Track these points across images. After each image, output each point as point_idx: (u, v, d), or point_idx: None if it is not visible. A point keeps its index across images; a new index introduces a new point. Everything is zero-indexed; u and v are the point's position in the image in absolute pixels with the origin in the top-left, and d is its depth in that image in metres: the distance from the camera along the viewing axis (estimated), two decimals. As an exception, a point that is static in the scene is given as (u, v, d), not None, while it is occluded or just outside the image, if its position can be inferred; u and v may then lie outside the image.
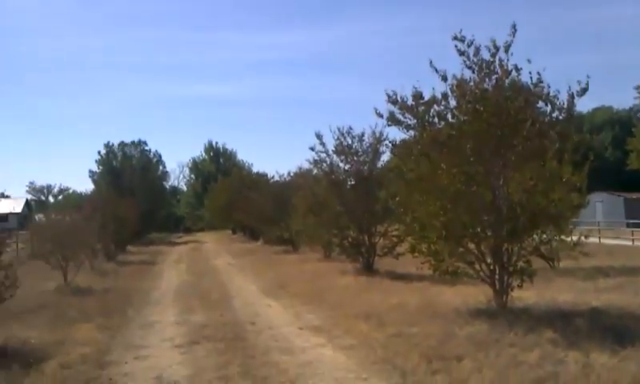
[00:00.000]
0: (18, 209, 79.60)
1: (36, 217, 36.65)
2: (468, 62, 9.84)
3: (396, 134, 11.75)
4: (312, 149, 18.44)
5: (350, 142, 17.86)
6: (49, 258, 16.96)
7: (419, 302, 11.36)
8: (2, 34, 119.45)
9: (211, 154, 73.31)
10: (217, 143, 73.58)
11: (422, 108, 10.28)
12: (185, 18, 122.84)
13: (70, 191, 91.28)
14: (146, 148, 53.75)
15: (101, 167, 52.67)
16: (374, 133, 17.57)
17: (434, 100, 10.15)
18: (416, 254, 10.73)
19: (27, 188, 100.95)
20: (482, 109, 9.54)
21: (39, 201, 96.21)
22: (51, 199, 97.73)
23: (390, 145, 12.43)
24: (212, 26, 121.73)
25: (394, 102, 10.54)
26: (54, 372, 7.42)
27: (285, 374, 7.09)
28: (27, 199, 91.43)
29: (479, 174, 9.84)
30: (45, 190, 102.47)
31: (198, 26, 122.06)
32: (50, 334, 9.83)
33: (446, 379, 6.45)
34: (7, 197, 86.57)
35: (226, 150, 73.51)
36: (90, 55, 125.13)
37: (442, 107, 10.14)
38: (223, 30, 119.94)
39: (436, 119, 10.23)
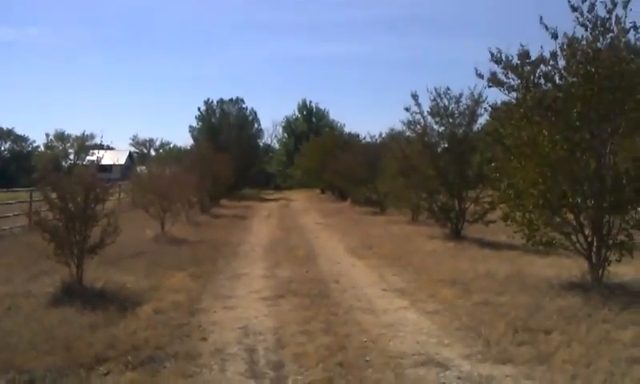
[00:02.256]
0: (122, 160, 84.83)
1: (138, 168, 38.62)
2: (581, 19, 9.10)
3: (496, 96, 11.25)
4: (407, 109, 18.02)
5: (446, 104, 17.28)
6: (148, 207, 17.85)
7: (508, 271, 10.99)
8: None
9: (304, 113, 73.64)
10: (310, 102, 73.71)
11: (527, 68, 9.70)
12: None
13: (171, 146, 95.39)
14: (243, 106, 54.95)
15: (200, 123, 54.34)
16: (472, 94, 16.87)
17: (541, 60, 9.51)
18: (509, 223, 10.35)
19: (130, 141, 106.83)
20: (593, 70, 8.88)
21: (141, 154, 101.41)
22: (153, 153, 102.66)
23: (489, 107, 11.90)
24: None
25: (498, 61, 9.99)
26: (147, 316, 7.84)
27: (366, 334, 7.10)
28: (130, 152, 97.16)
29: (584, 141, 9.24)
30: (147, 144, 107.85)
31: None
32: (145, 279, 10.39)
33: (531, 351, 6.21)
34: (112, 149, 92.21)
35: (319, 109, 73.54)
36: (196, 13, 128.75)
37: (550, 68, 9.49)
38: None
39: (542, 81, 9.62)
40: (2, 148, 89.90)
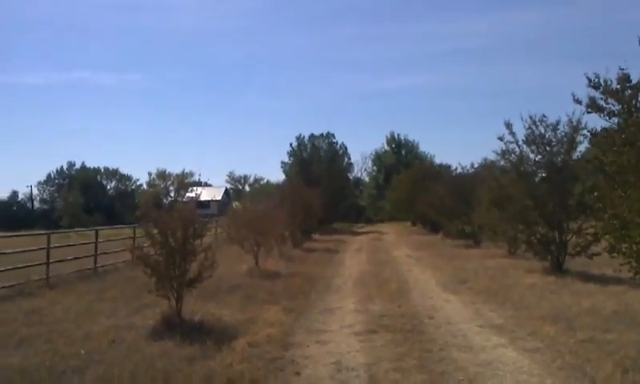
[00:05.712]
0: (219, 196, 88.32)
1: (233, 204, 39.96)
2: (686, 39, 8.59)
3: (596, 122, 10.77)
4: (500, 138, 17.46)
5: (542, 131, 16.60)
6: (243, 242, 18.35)
7: (615, 306, 10.33)
8: (210, 35, 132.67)
9: (393, 145, 73.73)
10: (399, 135, 73.85)
11: (628, 92, 9.20)
12: (369, 12, 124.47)
13: (264, 181, 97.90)
14: (334, 140, 55.75)
15: (292, 158, 55.58)
16: (570, 121, 16.08)
17: (643, 83, 9.05)
18: (614, 255, 9.72)
19: (227, 177, 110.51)
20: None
21: (237, 189, 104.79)
22: (247, 188, 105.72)
23: (589, 134, 11.38)
24: (396, 18, 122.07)
25: (597, 87, 9.58)
26: (243, 349, 8.02)
27: (463, 372, 6.87)
28: (226, 188, 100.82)
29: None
30: (242, 180, 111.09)
31: (383, 19, 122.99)
32: (241, 313, 10.67)
33: (643, 393, 5.76)
34: (210, 185, 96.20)
35: (408, 141, 73.50)
36: (286, 53, 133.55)
37: (653, 91, 9.00)
38: (407, 21, 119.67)
39: (644, 105, 9.11)
40: (108, 187, 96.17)
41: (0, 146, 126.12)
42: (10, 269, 13.51)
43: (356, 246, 30.27)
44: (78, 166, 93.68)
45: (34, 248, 15.41)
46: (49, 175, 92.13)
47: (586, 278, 14.28)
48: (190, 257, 9.85)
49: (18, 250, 14.83)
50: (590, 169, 14.04)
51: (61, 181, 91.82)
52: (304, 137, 55.82)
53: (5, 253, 13.97)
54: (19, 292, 12.87)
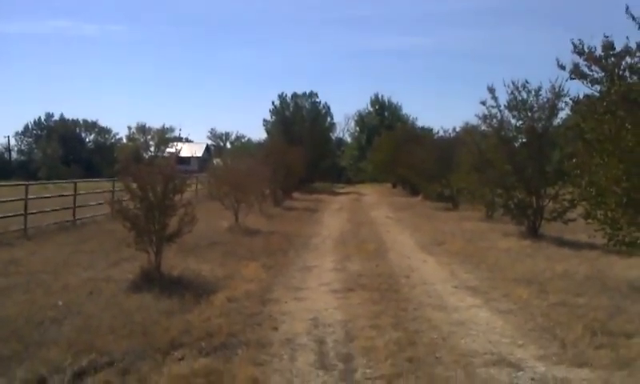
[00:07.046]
0: (199, 153, 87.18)
1: (214, 161, 39.68)
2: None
3: (578, 89, 10.85)
4: (483, 103, 17.51)
5: (524, 97, 16.66)
6: (223, 199, 18.33)
7: (588, 271, 10.56)
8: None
9: (377, 107, 73.40)
10: (382, 96, 73.45)
11: (611, 60, 9.24)
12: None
13: (246, 139, 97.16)
14: (317, 100, 55.18)
15: (274, 117, 54.99)
16: (552, 87, 16.17)
17: (627, 51, 9.06)
18: (590, 221, 9.92)
19: (208, 134, 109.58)
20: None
21: (218, 146, 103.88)
22: (228, 145, 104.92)
23: (571, 101, 11.46)
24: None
25: (581, 53, 9.60)
26: (221, 304, 8.09)
27: (436, 330, 7.01)
28: (207, 144, 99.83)
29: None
30: (223, 137, 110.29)
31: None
32: (220, 268, 10.72)
33: (611, 355, 5.93)
34: (190, 141, 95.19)
35: (392, 103, 73.14)
36: (273, 10, 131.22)
37: (637, 59, 9.03)
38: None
39: (627, 73, 9.15)
40: (87, 140, 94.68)
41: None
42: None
43: (336, 205, 30.39)
44: (56, 117, 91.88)
45: (11, 199, 15.22)
46: (26, 126, 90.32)
47: (561, 243, 14.57)
48: (169, 212, 9.83)
49: (-5, 200, 14.66)
50: (569, 136, 14.19)
51: (39, 132, 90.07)
52: (287, 95, 55.24)
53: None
54: (-4, 242, 12.77)
